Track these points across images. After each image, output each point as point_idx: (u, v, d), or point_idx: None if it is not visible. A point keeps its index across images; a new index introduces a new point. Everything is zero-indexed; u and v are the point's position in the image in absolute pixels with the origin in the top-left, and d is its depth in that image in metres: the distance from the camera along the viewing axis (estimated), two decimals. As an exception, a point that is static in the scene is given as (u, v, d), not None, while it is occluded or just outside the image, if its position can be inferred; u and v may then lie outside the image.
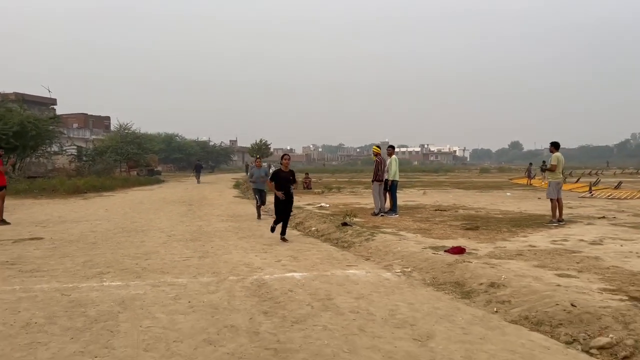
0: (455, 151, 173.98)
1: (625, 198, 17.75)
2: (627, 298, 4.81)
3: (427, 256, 7.11)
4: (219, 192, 24.14)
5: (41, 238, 9.43)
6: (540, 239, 8.71)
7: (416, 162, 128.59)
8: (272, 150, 74.67)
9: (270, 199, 11.47)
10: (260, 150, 56.88)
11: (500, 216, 12.33)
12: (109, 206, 16.64)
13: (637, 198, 17.49)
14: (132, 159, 38.29)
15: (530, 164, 34.37)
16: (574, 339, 4.05)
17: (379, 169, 12.49)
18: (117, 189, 26.16)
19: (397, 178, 12.67)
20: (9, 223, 11.35)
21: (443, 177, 43.97)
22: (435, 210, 14.03)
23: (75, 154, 39.63)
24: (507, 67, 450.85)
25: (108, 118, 65.10)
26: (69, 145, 37.21)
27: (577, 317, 4.34)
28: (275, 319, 4.55)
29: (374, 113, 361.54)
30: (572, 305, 4.55)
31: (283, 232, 9.16)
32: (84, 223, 11.89)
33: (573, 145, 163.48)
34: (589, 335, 4.03)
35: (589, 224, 10.71)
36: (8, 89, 50.00)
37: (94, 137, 57.04)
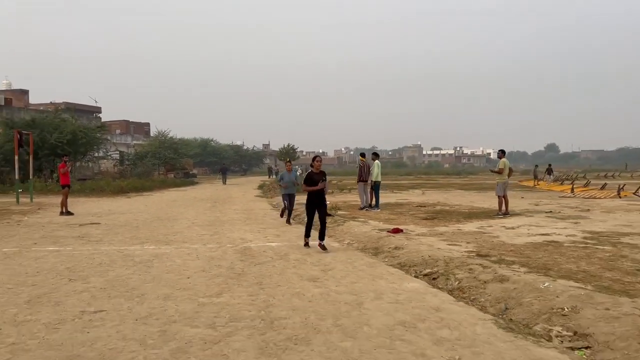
0: (489, 154, 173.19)
1: (600, 197, 19.87)
2: (474, 255, 7.51)
3: (371, 235, 9.92)
4: (243, 193, 27.38)
5: (98, 223, 12.73)
6: (474, 225, 11.35)
7: (447, 165, 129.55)
8: (298, 154, 77.88)
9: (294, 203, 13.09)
10: (288, 154, 60.14)
11: (465, 211, 14.93)
12: (148, 203, 20.06)
13: (610, 198, 19.59)
14: (169, 163, 42.25)
15: (536, 166, 36.22)
16: (415, 271, 6.85)
17: (362, 171, 15.32)
18: (155, 190, 29.81)
19: (378, 179, 15.45)
20: (72, 214, 14.75)
21: (459, 180, 45.94)
22: (417, 206, 16.70)
23: (118, 158, 43.94)
24: (545, 67, 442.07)
25: (148, 124, 69.99)
26: (113, 151, 41.43)
27: (425, 262, 7.13)
28: (246, 262, 7.52)
29: (407, 115, 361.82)
30: (429, 256, 7.33)
31: (321, 237, 8.76)
32: (128, 214, 15.21)
33: (611, 147, 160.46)
34: (423, 269, 6.83)
35: (530, 216, 13.22)
36: (58, 98, 55.15)
37: (134, 142, 61.68)
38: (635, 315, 4.42)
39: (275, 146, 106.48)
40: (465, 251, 7.83)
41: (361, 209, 15.17)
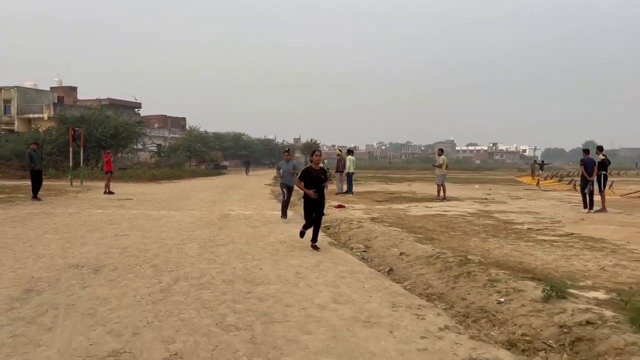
0: (525, 150, 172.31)
1: (558, 190, 23.20)
2: (368, 218, 11.49)
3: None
4: (258, 182, 31.80)
5: (131, 199, 17.31)
6: (405, 205, 15.22)
7: (478, 161, 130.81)
8: (322, 148, 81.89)
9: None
10: (310, 148, 64.29)
11: (419, 196, 18.74)
12: (174, 188, 24.72)
13: (566, 190, 22.90)
14: (198, 156, 47.32)
15: (535, 161, 39.09)
16: (323, 226, 10.94)
17: (339, 164, 19.36)
18: (184, 178, 34.66)
19: (351, 170, 19.45)
20: (113, 193, 19.40)
21: (468, 175, 48.92)
22: (388, 194, 20.58)
23: (155, 150, 49.29)
24: (585, 63, 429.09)
25: (184, 119, 75.65)
26: (150, 144, 46.74)
27: (333, 221, 11.17)
28: (220, 221, 11.76)
29: (443, 111, 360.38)
30: (337, 218, 11.38)
31: (314, 239, 8.31)
32: (155, 194, 19.80)
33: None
34: (328, 225, 10.88)
35: (461, 200, 16.93)
36: (103, 95, 61.15)
37: (171, 135, 67.31)
38: (400, 238, 8.39)
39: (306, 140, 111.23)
40: (366, 217, 11.82)
41: (337, 194, 19.21)
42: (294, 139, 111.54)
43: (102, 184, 20.93)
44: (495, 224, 10.99)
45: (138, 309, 4.85)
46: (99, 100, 58.54)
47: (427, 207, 14.88)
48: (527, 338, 4.23)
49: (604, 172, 13.91)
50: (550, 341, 4.10)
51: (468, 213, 13.05)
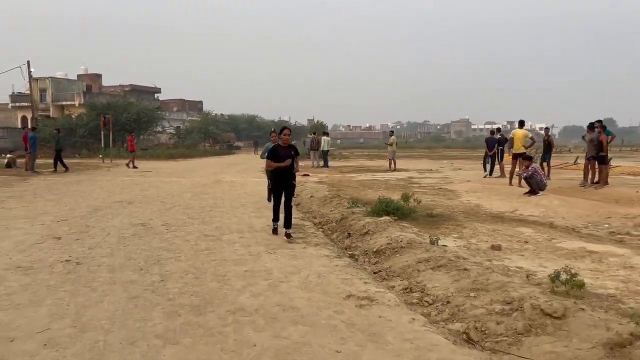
0: (542, 128, 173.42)
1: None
2: (319, 182, 16.49)
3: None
4: (260, 160, 36.95)
5: (151, 171, 22.65)
6: (362, 176, 20.15)
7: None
8: (339, 129, 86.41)
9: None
10: (316, 128, 68.96)
11: (379, 169, 23.60)
12: (187, 164, 30.09)
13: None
14: (212, 137, 52.72)
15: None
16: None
17: (312, 143, 24.33)
18: (198, 157, 40.05)
19: (326, 148, 24.40)
20: (137, 167, 24.75)
21: (465, 152, 53.08)
22: (357, 167, 25.48)
23: (174, 132, 54.84)
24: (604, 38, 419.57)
25: (201, 102, 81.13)
26: (168, 126, 52.28)
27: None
28: (213, 184, 16.94)
29: (461, 90, 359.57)
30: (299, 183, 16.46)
31: (287, 224, 7.83)
32: (170, 168, 25.13)
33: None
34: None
35: (406, 172, 21.75)
36: (125, 81, 66.83)
37: (189, 118, 72.85)
38: (317, 189, 13.39)
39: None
40: (315, 180, 16.82)
41: (313, 166, 24.20)
42: (308, 119, 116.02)
43: (125, 161, 26.28)
44: (402, 184, 15.87)
45: (152, 214, 10.02)
46: (122, 86, 64.32)
47: (373, 175, 19.79)
48: (329, 220, 9.26)
49: (501, 148, 18.60)
50: (334, 222, 9.12)
51: (396, 178, 17.94)
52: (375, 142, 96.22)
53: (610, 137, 14.79)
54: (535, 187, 11.45)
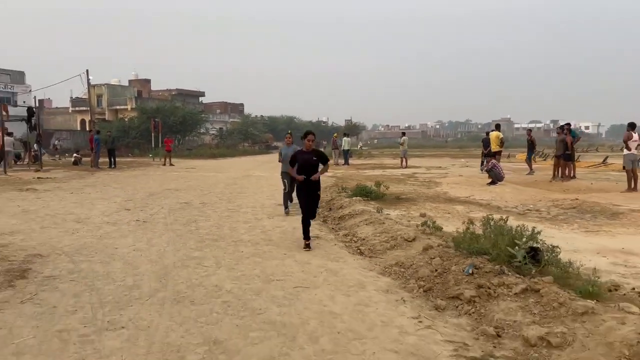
0: (588, 127, 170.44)
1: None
2: (336, 178, 19.77)
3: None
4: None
5: (194, 168, 26.50)
6: (372, 171, 23.25)
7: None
8: (378, 129, 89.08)
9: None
10: (352, 129, 72.09)
11: (393, 166, 26.58)
12: (225, 162, 33.95)
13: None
14: (250, 138, 56.82)
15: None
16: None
17: (335, 142, 27.58)
18: (236, 156, 44.03)
19: (346, 148, 27.58)
20: (173, 165, 28.64)
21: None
22: (374, 165, 28.53)
23: (216, 133, 59.29)
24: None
25: (242, 105, 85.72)
26: (211, 128, 56.75)
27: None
28: (243, 178, 20.49)
29: (502, 89, 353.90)
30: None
31: (305, 234, 7.41)
32: (210, 165, 28.97)
33: None
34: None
35: (415, 168, 24.67)
36: (172, 85, 71.93)
37: (230, 120, 77.46)
38: (326, 181, 16.66)
39: (357, 121, 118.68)
40: (331, 176, 20.05)
41: (334, 164, 27.43)
42: (345, 120, 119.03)
43: (178, 160, 30.29)
44: (401, 178, 18.92)
45: (192, 197, 13.55)
46: (169, 90, 69.49)
47: (383, 172, 22.83)
48: (321, 200, 12.52)
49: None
50: (324, 202, 12.34)
51: (400, 174, 20.95)
52: (413, 142, 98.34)
53: (576, 138, 17.35)
54: (494, 178, 14.32)
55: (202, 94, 74.43)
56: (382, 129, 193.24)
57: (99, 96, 56.01)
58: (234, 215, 10.60)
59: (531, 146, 19.95)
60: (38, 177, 19.00)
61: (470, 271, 5.13)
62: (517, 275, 4.80)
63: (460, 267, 5.40)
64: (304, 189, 7.45)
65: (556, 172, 16.89)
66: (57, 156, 35.50)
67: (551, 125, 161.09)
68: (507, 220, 6.03)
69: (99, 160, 25.68)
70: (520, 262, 4.93)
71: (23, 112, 27.43)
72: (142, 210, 11.24)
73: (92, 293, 5.20)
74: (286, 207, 10.98)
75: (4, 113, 22.00)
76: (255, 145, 59.28)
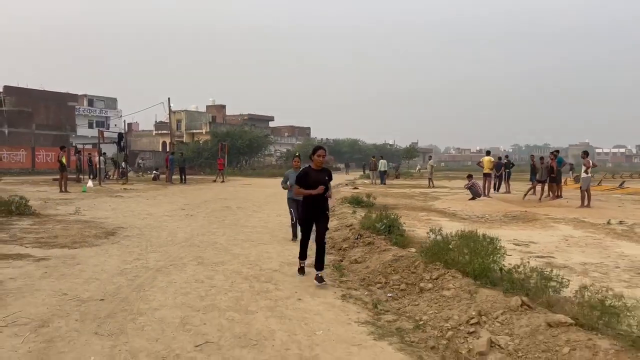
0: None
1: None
2: (362, 193, 23.62)
3: (346, 190, 26.30)
4: (346, 178, 44.56)
5: (250, 184, 31.24)
6: (399, 189, 26.79)
7: (610, 164, 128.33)
8: (449, 151, 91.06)
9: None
10: (409, 152, 74.68)
11: (422, 186, 29.88)
12: (279, 180, 38.62)
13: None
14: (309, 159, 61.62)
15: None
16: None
17: (371, 164, 31.30)
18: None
19: (382, 169, 31.22)
20: (224, 181, 33.49)
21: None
22: (408, 185, 31.90)
23: (281, 155, 64.67)
24: None
25: (309, 128, 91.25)
26: (274, 150, 62.18)
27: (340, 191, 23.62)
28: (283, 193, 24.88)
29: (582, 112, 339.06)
30: (343, 192, 23.70)
31: (318, 266, 6.48)
32: (264, 183, 33.61)
33: None
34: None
35: (440, 188, 27.86)
36: (244, 110, 78.59)
37: (297, 142, 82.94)
38: (352, 193, 20.54)
39: (424, 143, 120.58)
40: (359, 192, 23.85)
41: (371, 183, 31.11)
42: (412, 142, 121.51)
43: (240, 178, 35.23)
44: (415, 195, 22.43)
45: (234, 204, 17.95)
46: (242, 115, 76.19)
47: (409, 190, 26.28)
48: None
49: (508, 171, 24.22)
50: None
51: (419, 192, 24.37)
52: (473, 166, 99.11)
53: (562, 164, 20.08)
54: (474, 194, 17.57)
55: (272, 119, 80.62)
56: (454, 152, 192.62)
57: (179, 121, 63.26)
58: (255, 214, 14.79)
59: (533, 170, 22.82)
60: (124, 188, 24.39)
61: (357, 236, 8.91)
62: (375, 236, 8.55)
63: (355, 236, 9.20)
64: (314, 210, 6.56)
65: (541, 194, 19.70)
66: (140, 173, 41.86)
67: (633, 151, 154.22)
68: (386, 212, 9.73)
69: (173, 177, 31.07)
70: (381, 229, 8.67)
71: (114, 135, 33.55)
72: (193, 210, 15.73)
73: (147, 242, 9.50)
74: (295, 235, 9.83)
75: (100, 138, 27.91)
76: (317, 167, 64.15)
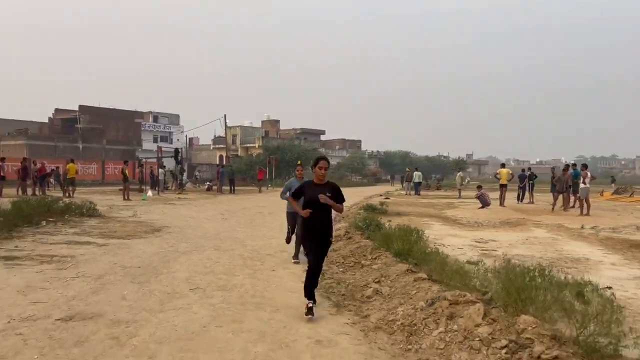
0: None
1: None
2: (388, 201, 25.69)
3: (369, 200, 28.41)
4: (385, 190, 46.38)
5: (292, 195, 33.90)
6: (423, 198, 28.56)
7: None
8: (508, 163, 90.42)
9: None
10: (458, 164, 74.73)
11: (448, 195, 31.39)
12: (324, 192, 41.09)
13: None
14: (357, 171, 63.81)
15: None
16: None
17: (406, 176, 33.15)
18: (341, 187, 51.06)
19: (417, 180, 32.98)
20: (261, 192, 36.22)
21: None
22: (440, 195, 33.45)
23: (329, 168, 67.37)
24: None
25: (360, 141, 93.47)
26: (324, 163, 65.16)
27: (372, 198, 25.76)
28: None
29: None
30: (371, 199, 25.87)
31: (308, 293, 5.60)
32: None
33: None
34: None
35: (459, 199, 29.36)
36: (297, 125, 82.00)
37: (347, 155, 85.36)
38: (375, 199, 22.69)
39: (479, 155, 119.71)
40: (386, 199, 25.89)
41: (405, 194, 32.93)
42: (467, 154, 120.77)
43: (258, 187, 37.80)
44: (438, 204, 24.22)
45: (268, 210, 20.55)
46: (294, 129, 79.57)
47: (436, 200, 27.97)
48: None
49: (531, 182, 25.55)
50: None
51: (443, 202, 26.06)
52: (544, 177, 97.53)
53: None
54: (483, 203, 19.25)
55: (323, 132, 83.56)
56: (513, 163, 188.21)
57: (234, 136, 67.37)
58: (281, 219, 17.25)
59: (530, 179, 24.33)
60: (178, 197, 27.66)
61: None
62: (355, 232, 10.77)
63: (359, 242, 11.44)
64: (312, 231, 5.69)
65: (556, 203, 21.00)
66: (197, 184, 45.64)
67: None
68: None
69: (223, 187, 34.26)
70: (362, 227, 10.89)
71: (171, 150, 37.29)
72: (230, 215, 18.43)
73: (182, 236, 12.17)
74: (296, 256, 8.88)
75: (159, 152, 31.52)
76: (365, 178, 66.11)
